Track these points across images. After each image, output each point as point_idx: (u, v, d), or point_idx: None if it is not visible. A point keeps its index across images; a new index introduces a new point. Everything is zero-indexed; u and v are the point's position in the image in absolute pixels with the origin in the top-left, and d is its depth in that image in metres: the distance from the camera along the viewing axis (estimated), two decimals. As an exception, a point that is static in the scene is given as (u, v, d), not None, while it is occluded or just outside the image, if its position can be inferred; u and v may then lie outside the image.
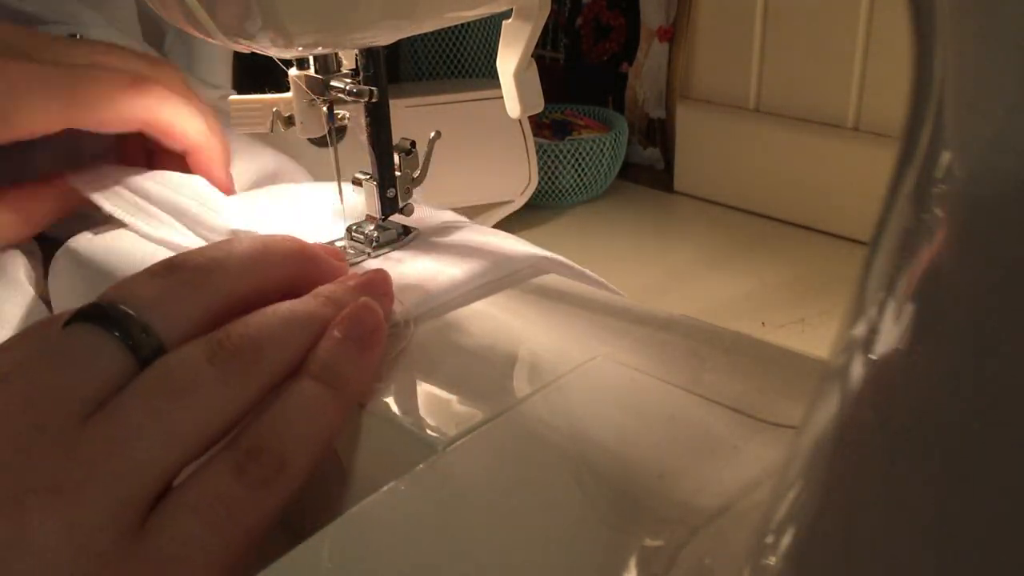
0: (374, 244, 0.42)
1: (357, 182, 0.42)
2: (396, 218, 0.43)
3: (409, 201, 0.43)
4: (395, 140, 0.42)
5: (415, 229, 0.44)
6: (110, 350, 0.28)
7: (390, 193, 0.42)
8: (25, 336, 0.30)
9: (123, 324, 0.28)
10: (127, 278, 0.31)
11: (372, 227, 0.43)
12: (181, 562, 0.25)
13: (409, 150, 0.42)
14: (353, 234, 0.43)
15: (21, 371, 0.27)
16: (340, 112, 0.42)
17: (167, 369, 0.28)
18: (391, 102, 0.41)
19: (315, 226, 0.44)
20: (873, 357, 0.17)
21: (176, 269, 0.31)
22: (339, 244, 0.43)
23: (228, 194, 0.47)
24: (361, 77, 0.40)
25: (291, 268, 0.34)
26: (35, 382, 0.27)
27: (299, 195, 0.49)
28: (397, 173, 0.42)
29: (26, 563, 0.23)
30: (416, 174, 0.42)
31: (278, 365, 0.30)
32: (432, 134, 0.42)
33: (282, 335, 0.31)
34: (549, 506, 0.27)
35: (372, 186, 0.42)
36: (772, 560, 0.20)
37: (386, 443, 0.31)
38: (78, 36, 0.51)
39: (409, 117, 0.43)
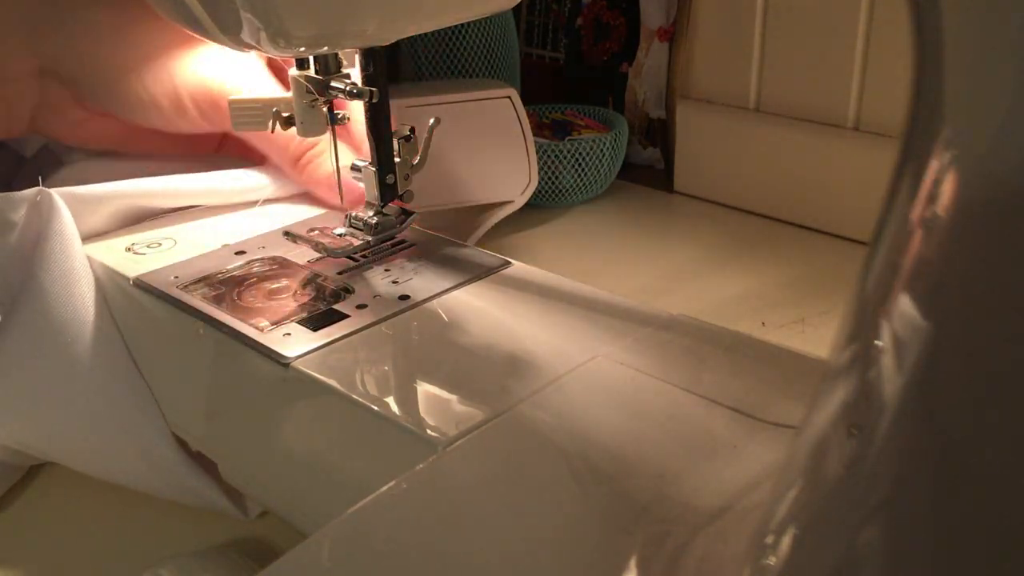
0: (374, 231, 0.42)
1: (356, 169, 0.42)
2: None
3: (408, 188, 0.43)
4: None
5: (415, 212, 0.44)
6: None
7: (389, 179, 0.42)
8: None
9: None
10: None
11: (371, 213, 0.43)
12: None
13: (408, 136, 0.42)
14: (352, 221, 0.43)
15: None
16: (340, 112, 0.42)
17: None
18: (391, 102, 0.41)
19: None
20: (873, 357, 0.17)
21: None
22: (339, 232, 0.43)
23: None
24: (361, 77, 0.40)
25: None
26: None
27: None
28: (396, 159, 0.42)
29: None
30: (415, 160, 0.43)
31: None
32: (431, 120, 0.42)
33: None
34: (549, 506, 0.27)
35: (371, 172, 0.42)
36: (772, 560, 0.20)
37: (386, 443, 0.31)
38: None
39: (409, 117, 0.43)
